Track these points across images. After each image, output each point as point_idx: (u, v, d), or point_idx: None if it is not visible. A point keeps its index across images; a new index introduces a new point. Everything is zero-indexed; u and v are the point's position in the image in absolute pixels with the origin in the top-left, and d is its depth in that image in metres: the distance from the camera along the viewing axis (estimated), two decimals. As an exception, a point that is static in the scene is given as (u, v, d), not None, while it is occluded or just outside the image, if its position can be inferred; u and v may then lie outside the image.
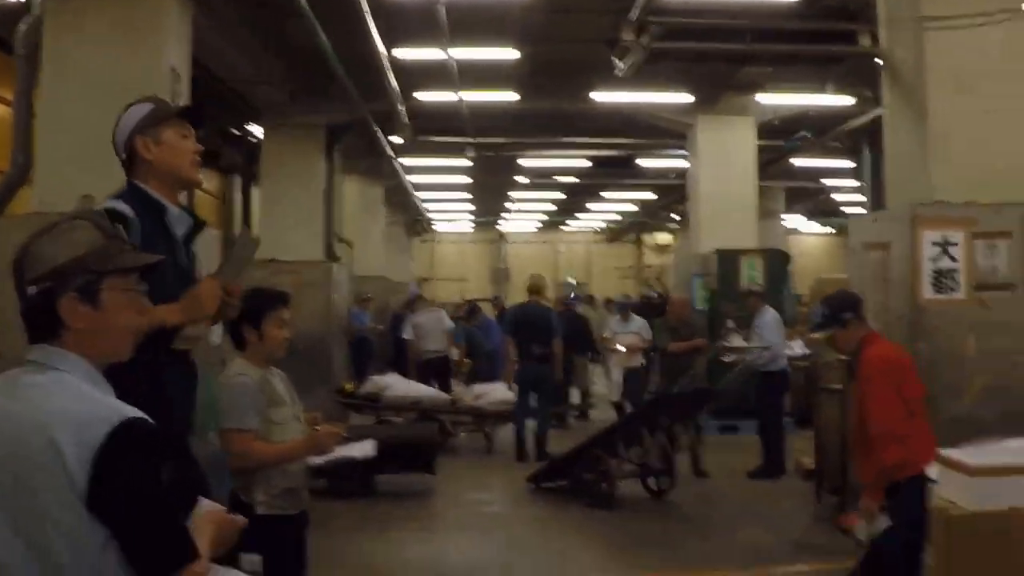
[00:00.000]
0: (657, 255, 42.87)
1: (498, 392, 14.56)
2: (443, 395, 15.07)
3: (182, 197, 4.21)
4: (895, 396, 5.65)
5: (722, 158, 17.15)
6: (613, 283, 38.61)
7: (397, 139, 18.30)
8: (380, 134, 17.39)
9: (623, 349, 14.14)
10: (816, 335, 6.28)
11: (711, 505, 10.91)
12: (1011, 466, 7.05)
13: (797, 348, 13.89)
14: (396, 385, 14.54)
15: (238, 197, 21.16)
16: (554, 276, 36.91)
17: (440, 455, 11.98)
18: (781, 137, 19.29)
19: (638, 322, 14.45)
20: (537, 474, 11.62)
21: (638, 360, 14.38)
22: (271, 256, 14.08)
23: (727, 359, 12.45)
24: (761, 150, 17.91)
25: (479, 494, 11.50)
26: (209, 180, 19.94)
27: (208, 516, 2.65)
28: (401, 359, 17.47)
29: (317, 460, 5.94)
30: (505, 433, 14.38)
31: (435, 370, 16.19)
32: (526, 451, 13.36)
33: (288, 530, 4.90)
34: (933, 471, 7.68)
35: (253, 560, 2.82)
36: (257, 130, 17.23)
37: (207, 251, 4.39)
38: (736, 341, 12.44)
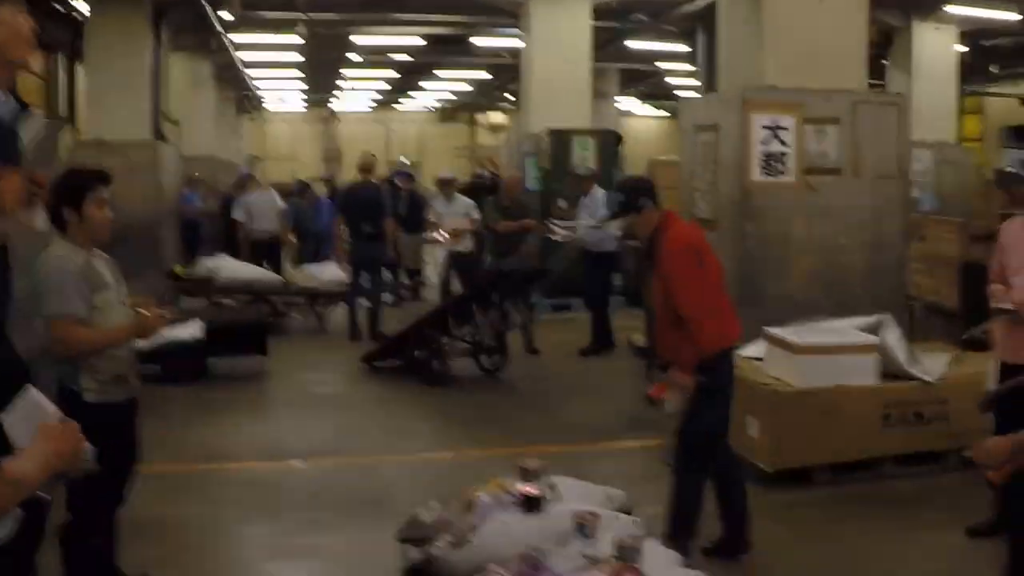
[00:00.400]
0: (491, 135, 42.71)
1: (329, 272, 14.43)
2: (275, 276, 14.88)
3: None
4: (701, 274, 5.69)
5: (555, 38, 17.01)
6: (447, 163, 38.33)
7: (226, 14, 17.71)
8: (208, 9, 16.79)
9: (443, 238, 13.84)
10: (613, 223, 6.19)
11: (544, 382, 11.05)
12: (835, 345, 7.32)
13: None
14: (227, 267, 14.28)
15: (63, 77, 20.25)
16: (387, 155, 36.49)
17: (273, 337, 11.85)
18: (616, 19, 19.25)
19: (464, 202, 14.27)
20: (371, 354, 11.59)
21: (467, 242, 14.13)
22: (97, 137, 13.55)
23: (557, 238, 12.50)
24: (596, 31, 17.82)
25: (313, 374, 11.43)
26: (32, 59, 19.02)
27: (45, 434, 2.55)
28: (232, 241, 17.12)
29: (144, 344, 5.81)
30: (337, 313, 14.28)
31: (266, 251, 15.93)
32: (359, 331, 13.29)
33: (119, 417, 4.79)
34: (755, 348, 7.92)
35: (85, 450, 2.72)
36: (82, 6, 16.45)
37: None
38: (566, 220, 12.48)
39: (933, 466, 7.34)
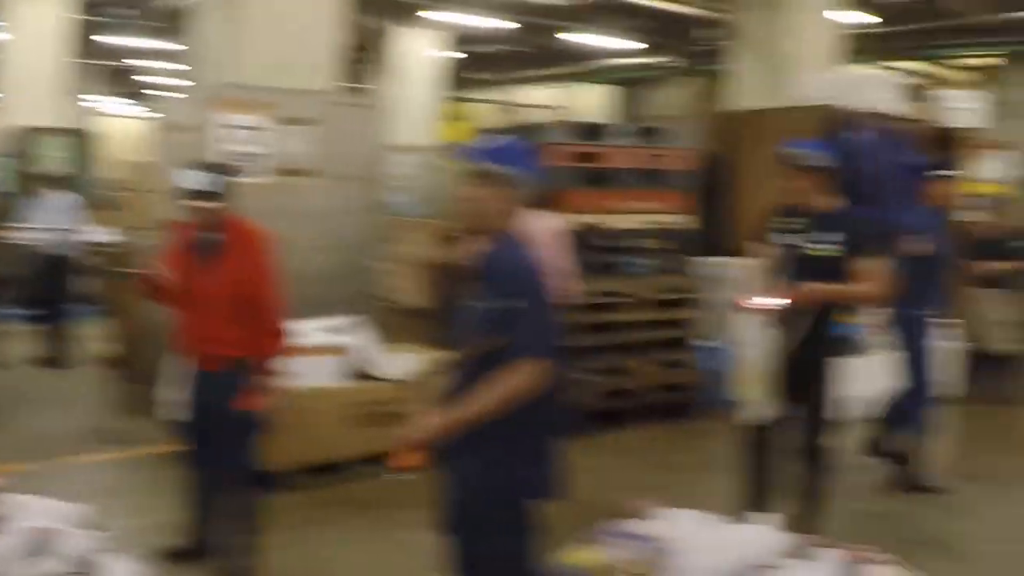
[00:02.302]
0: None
1: None
2: None
3: None
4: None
5: (35, 32, 16.14)
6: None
7: None
8: None
9: None
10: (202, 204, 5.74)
11: (4, 397, 10.32)
12: (305, 347, 7.30)
13: (100, 234, 13.16)
14: None
15: None
16: None
17: None
18: (98, 14, 18.51)
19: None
20: None
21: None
22: None
23: (15, 242, 11.62)
24: (78, 25, 17.09)
25: None
26: None
27: None
28: None
29: None
30: None
31: None
32: None
33: None
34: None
35: None
36: None
37: None
38: (25, 223, 11.63)
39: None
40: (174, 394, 5.76)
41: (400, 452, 4.04)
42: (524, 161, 3.97)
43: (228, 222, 5.66)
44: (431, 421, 3.88)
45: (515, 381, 3.73)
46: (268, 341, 5.63)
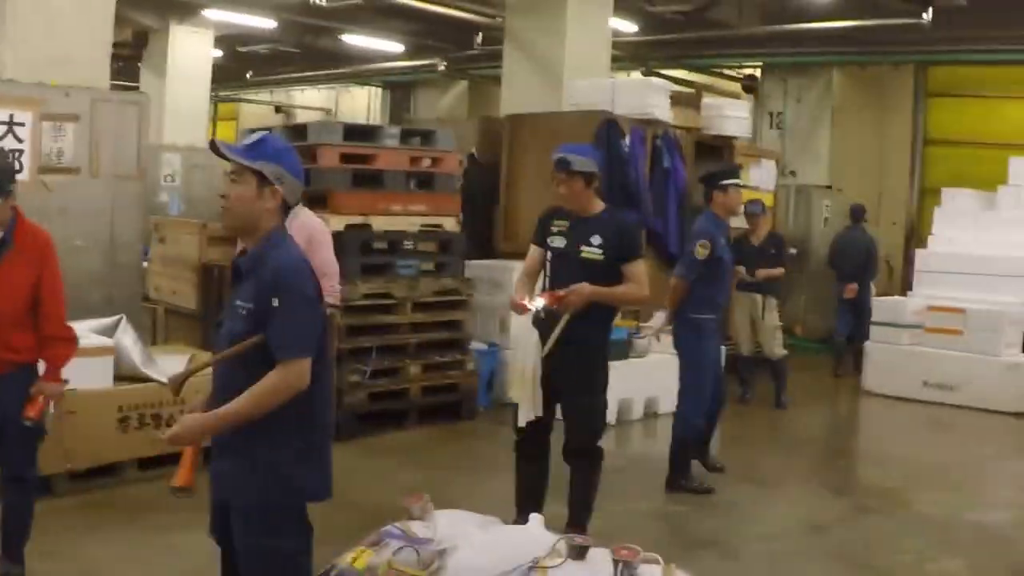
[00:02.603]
0: None
1: None
2: None
3: None
4: None
5: None
6: None
7: None
8: None
9: None
10: None
11: None
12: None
13: None
14: None
15: None
16: None
17: None
18: None
19: None
20: None
21: None
22: None
23: None
24: None
25: None
26: None
27: None
28: None
29: None
30: None
31: None
32: None
33: None
34: None
35: None
36: None
37: None
38: None
39: (173, 468, 7.29)
40: None
41: (181, 472, 4.03)
42: (283, 157, 3.90)
43: (13, 222, 5.39)
44: (195, 423, 3.85)
45: (274, 381, 3.70)
46: (58, 346, 5.43)
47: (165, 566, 5.92)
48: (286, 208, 3.93)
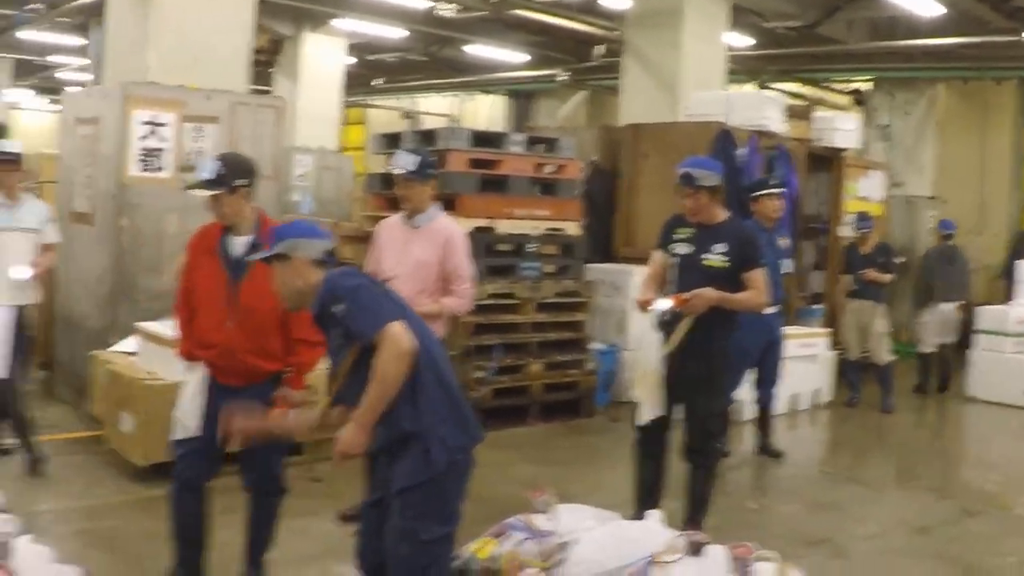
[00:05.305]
0: None
1: None
2: None
3: None
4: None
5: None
6: None
7: None
8: None
9: None
10: (195, 189, 5.41)
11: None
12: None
13: None
14: None
15: None
16: None
17: None
18: (10, 7, 18.39)
19: None
20: None
21: None
22: None
23: None
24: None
25: None
26: None
27: None
28: None
29: None
30: None
31: None
32: None
33: None
34: (129, 343, 7.94)
35: None
36: None
37: None
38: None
39: (316, 455, 7.29)
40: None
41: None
42: (286, 233, 4.35)
43: (259, 223, 5.21)
44: (349, 431, 4.06)
45: (380, 354, 3.92)
46: (305, 350, 5.16)
47: (295, 550, 6.03)
48: (318, 263, 4.24)
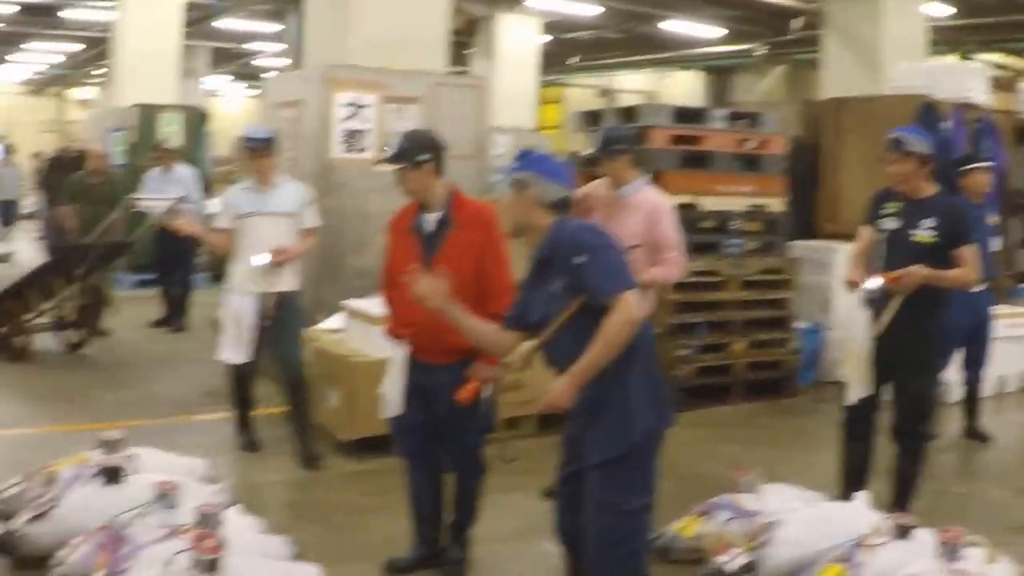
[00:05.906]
0: (81, 110, 40.90)
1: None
2: None
3: None
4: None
5: (147, 13, 16.74)
6: (34, 138, 36.45)
7: None
8: None
9: None
10: (386, 165, 5.46)
11: (128, 358, 10.71)
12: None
13: (215, 205, 13.50)
14: None
15: None
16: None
17: None
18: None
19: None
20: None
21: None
22: None
23: (150, 210, 11.95)
24: (188, 8, 17.60)
25: None
26: None
27: None
28: None
29: None
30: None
31: None
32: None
33: None
34: (335, 320, 8.04)
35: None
36: None
37: None
38: (146, 194, 11.94)
39: (513, 432, 7.39)
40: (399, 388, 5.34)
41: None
42: (533, 166, 4.35)
43: (451, 200, 5.20)
44: (562, 384, 4.06)
45: (612, 319, 3.95)
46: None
47: (497, 526, 6.02)
48: (550, 205, 4.24)
